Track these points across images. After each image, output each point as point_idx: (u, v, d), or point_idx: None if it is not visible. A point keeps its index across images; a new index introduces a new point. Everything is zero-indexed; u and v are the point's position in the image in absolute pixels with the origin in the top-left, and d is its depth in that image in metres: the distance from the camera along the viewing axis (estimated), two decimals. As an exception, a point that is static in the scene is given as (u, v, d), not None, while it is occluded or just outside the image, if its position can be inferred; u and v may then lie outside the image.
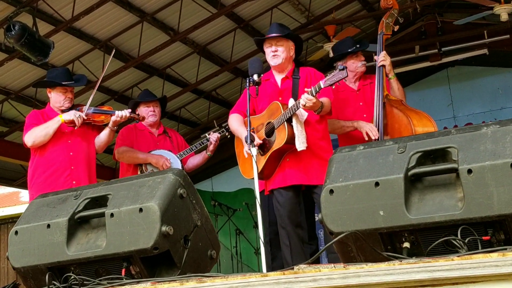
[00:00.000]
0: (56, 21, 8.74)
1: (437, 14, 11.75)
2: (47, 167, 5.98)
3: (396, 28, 6.24)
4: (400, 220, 3.08)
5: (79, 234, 3.56)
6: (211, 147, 6.79)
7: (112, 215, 3.42)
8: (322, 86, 5.06)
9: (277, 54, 5.63)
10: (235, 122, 5.66)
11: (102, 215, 3.48)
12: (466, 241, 2.93)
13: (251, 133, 5.18)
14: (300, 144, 5.26)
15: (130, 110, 6.19)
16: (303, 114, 5.33)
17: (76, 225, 3.56)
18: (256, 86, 5.24)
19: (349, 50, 6.22)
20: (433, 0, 11.10)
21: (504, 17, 9.86)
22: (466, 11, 11.46)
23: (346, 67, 5.03)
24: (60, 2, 8.52)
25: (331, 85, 5.06)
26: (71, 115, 5.95)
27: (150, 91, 7.19)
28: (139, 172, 6.51)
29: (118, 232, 3.39)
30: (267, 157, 5.40)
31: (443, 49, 11.42)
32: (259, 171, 5.22)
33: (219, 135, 6.82)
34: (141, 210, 3.36)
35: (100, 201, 3.60)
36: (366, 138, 5.71)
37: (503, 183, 2.85)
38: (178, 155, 6.70)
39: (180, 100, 11.87)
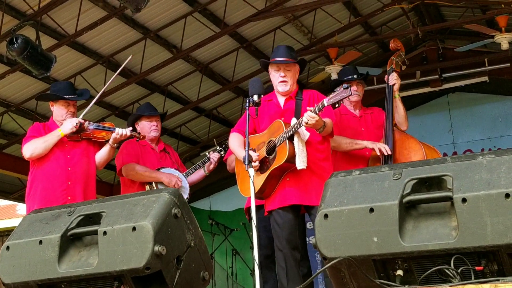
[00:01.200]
0: (60, 35, 8.76)
1: (439, 40, 11.80)
2: (44, 180, 5.92)
3: (404, 68, 6.52)
4: (393, 247, 3.07)
5: (71, 251, 3.53)
6: (210, 166, 6.77)
7: (105, 233, 3.40)
8: (326, 104, 5.05)
9: (285, 80, 5.62)
10: (235, 141, 5.65)
11: (95, 232, 3.46)
12: (459, 270, 2.91)
13: (250, 153, 5.15)
14: (301, 162, 5.21)
15: (131, 129, 6.09)
16: (305, 133, 5.29)
17: (69, 242, 3.54)
18: (256, 107, 5.22)
19: (349, 77, 6.40)
20: (435, 26, 11.15)
21: (504, 45, 9.91)
22: (467, 38, 11.52)
23: (350, 86, 5.01)
24: (64, 17, 8.55)
25: (336, 103, 5.07)
26: (68, 124, 5.90)
27: (152, 105, 7.01)
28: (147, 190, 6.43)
29: (111, 251, 3.36)
30: (267, 175, 5.36)
31: (444, 75, 11.46)
32: (258, 189, 5.21)
33: (219, 155, 6.80)
34: (134, 229, 3.34)
35: (93, 219, 3.57)
36: (378, 153, 5.87)
37: (497, 213, 2.84)
38: (184, 174, 6.66)
39: (180, 118, 11.89)
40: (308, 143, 5.35)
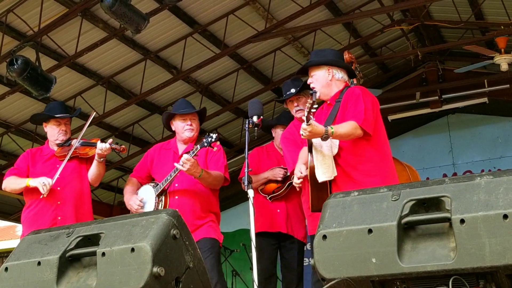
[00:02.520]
0: (60, 56, 8.80)
1: (438, 61, 11.88)
2: (34, 201, 5.94)
3: (361, 81, 6.02)
4: (392, 268, 3.06)
5: (70, 273, 3.52)
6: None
7: (103, 254, 3.39)
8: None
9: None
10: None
11: (93, 253, 3.45)
12: (457, 291, 2.91)
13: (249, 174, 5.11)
14: (320, 175, 4.92)
15: (111, 141, 5.90)
16: (321, 143, 4.96)
17: (67, 263, 3.52)
18: (255, 128, 5.20)
19: (287, 94, 6.08)
20: (435, 47, 11.21)
21: (504, 67, 9.96)
22: (467, 59, 11.57)
23: (314, 92, 4.75)
24: (64, 38, 8.59)
25: (308, 113, 4.69)
26: (37, 182, 5.81)
27: (188, 101, 6.28)
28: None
29: (109, 272, 3.35)
30: (310, 189, 5.06)
31: (443, 96, 11.52)
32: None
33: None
34: (133, 250, 3.32)
35: (92, 240, 3.56)
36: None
37: (496, 234, 2.84)
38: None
39: (180, 139, 11.88)
40: (340, 149, 5.01)
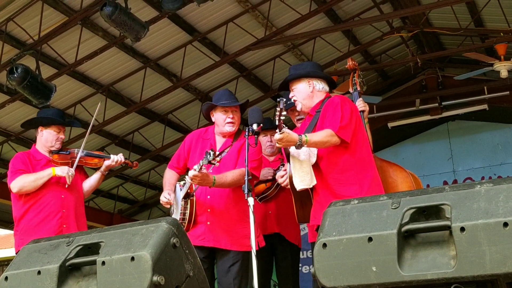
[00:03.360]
0: (60, 64, 8.82)
1: (438, 68, 11.88)
2: (39, 210, 5.82)
3: (365, 88, 6.09)
4: (392, 276, 3.05)
5: (70, 282, 3.51)
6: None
7: (103, 263, 3.38)
8: (278, 131, 4.67)
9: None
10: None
11: (93, 262, 3.44)
12: (458, 300, 2.90)
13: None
14: (298, 183, 4.92)
15: (121, 154, 6.00)
16: (298, 152, 4.94)
17: (67, 272, 3.51)
18: (256, 136, 5.18)
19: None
20: (434, 54, 11.22)
21: (504, 74, 9.96)
22: (466, 66, 11.59)
23: (281, 99, 4.62)
24: (64, 46, 8.60)
25: (279, 121, 4.63)
26: (64, 171, 5.78)
27: (230, 92, 5.89)
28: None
29: (109, 281, 3.34)
30: (293, 200, 5.13)
31: (443, 103, 11.52)
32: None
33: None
34: (133, 258, 3.32)
35: (92, 249, 3.56)
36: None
37: (496, 242, 2.84)
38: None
39: (181, 146, 11.88)
40: (319, 158, 4.98)
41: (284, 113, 4.63)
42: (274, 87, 11.12)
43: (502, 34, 9.88)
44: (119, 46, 8.97)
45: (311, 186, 4.93)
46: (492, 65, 10.09)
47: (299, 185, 4.91)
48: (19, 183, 5.78)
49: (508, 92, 10.89)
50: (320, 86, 5.23)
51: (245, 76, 10.72)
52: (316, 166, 4.98)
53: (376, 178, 5.08)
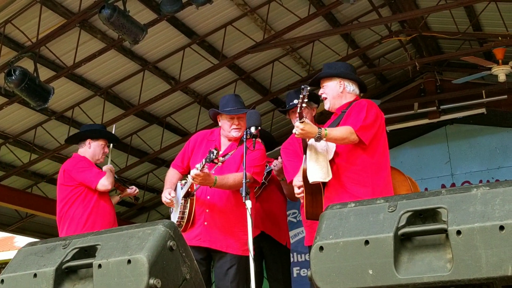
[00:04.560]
0: (58, 67, 8.81)
1: (436, 72, 11.89)
2: (103, 216, 6.35)
3: None
4: (389, 279, 3.05)
5: (66, 285, 3.50)
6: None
7: (100, 266, 3.38)
8: (299, 120, 4.75)
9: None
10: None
11: (90, 265, 3.44)
12: (454, 303, 2.90)
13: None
14: (312, 175, 4.89)
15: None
16: (316, 144, 4.93)
17: (63, 275, 3.51)
18: (253, 139, 5.17)
19: (287, 106, 6.18)
20: (433, 58, 11.23)
21: (502, 78, 9.98)
22: (465, 70, 11.60)
23: (305, 86, 4.67)
24: (62, 49, 8.60)
25: (300, 108, 4.70)
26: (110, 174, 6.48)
27: (236, 97, 5.90)
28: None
29: (105, 284, 3.34)
30: (304, 194, 5.09)
31: (441, 107, 11.54)
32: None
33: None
34: (129, 261, 3.31)
35: (88, 251, 3.55)
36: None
37: (492, 245, 2.84)
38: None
39: (179, 149, 11.81)
40: (336, 154, 4.97)
41: (306, 100, 4.67)
42: (273, 90, 11.14)
43: (500, 38, 9.88)
44: (117, 49, 8.97)
45: (326, 180, 4.91)
46: (490, 69, 10.11)
47: (313, 177, 4.90)
48: (108, 180, 6.42)
49: (506, 96, 10.92)
50: (351, 88, 5.26)
51: (244, 79, 10.71)
52: (332, 163, 4.96)
53: (389, 183, 5.08)
